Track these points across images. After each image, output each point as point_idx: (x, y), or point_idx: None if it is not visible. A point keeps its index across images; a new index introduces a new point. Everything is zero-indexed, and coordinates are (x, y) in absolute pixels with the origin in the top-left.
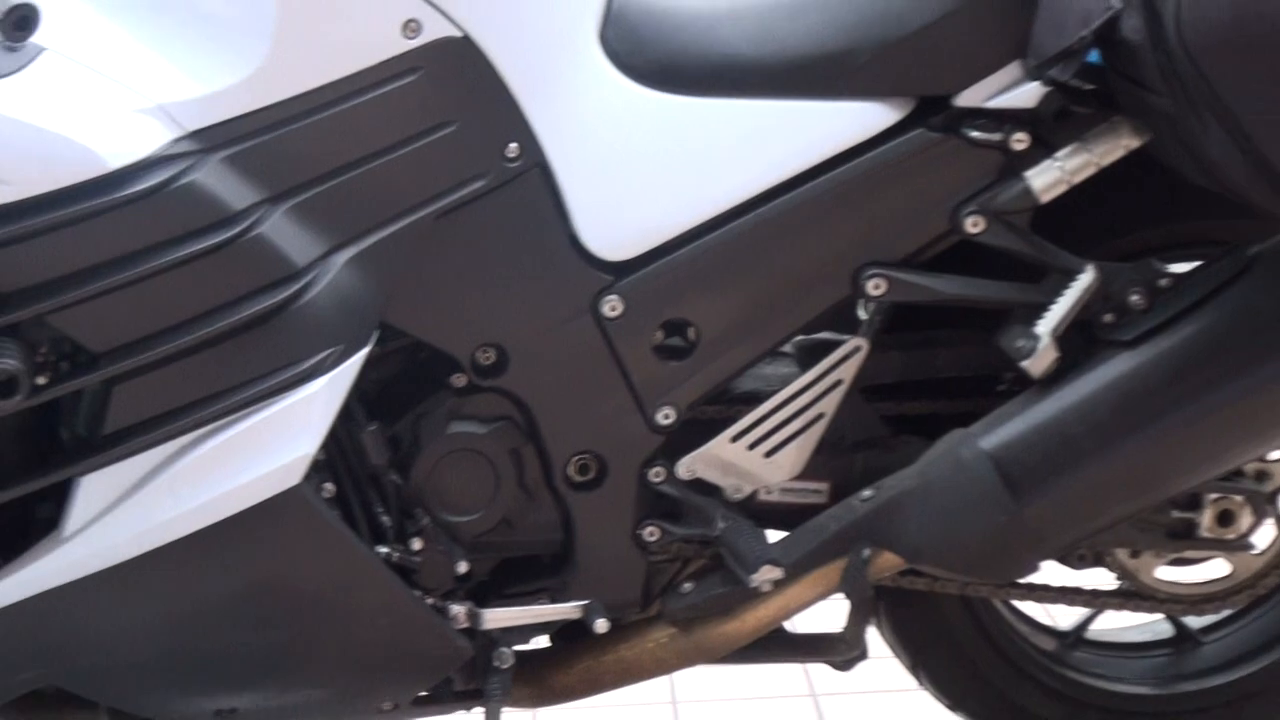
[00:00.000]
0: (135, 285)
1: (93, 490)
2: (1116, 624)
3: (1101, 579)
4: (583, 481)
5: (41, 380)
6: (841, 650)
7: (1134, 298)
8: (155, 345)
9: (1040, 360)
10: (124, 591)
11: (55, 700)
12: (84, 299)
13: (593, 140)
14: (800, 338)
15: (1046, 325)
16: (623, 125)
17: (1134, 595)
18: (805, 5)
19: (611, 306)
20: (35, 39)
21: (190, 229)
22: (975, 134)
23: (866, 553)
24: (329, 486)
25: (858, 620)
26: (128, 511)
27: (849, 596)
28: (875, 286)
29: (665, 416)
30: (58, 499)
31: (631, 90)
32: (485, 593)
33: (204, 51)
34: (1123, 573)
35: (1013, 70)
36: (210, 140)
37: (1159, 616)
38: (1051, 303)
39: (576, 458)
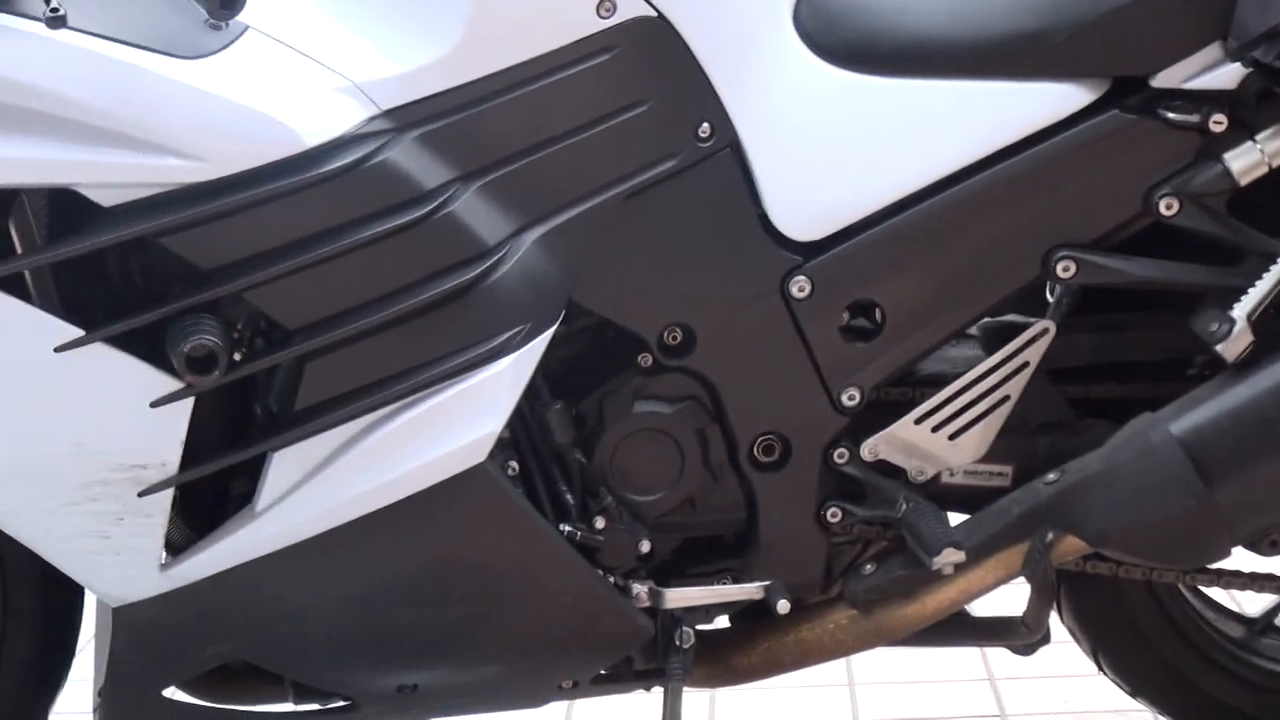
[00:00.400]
0: (329, 262)
1: (285, 466)
2: None
3: None
4: (767, 462)
5: (237, 356)
6: (1022, 635)
7: None
8: (347, 322)
9: (1235, 344)
10: (313, 566)
11: (243, 674)
12: (279, 276)
13: (785, 120)
14: (987, 320)
15: (1243, 309)
16: (815, 105)
17: None
18: None
19: (800, 287)
20: (240, 18)
21: (383, 207)
22: (1172, 115)
23: (1050, 537)
24: (513, 464)
25: (1039, 605)
26: (318, 487)
27: (1030, 580)
28: (1065, 269)
29: (850, 398)
30: (251, 474)
31: (824, 70)
32: (667, 572)
33: (399, 30)
34: None
35: (1213, 51)
36: (405, 119)
37: None
38: (1249, 286)
39: (761, 438)
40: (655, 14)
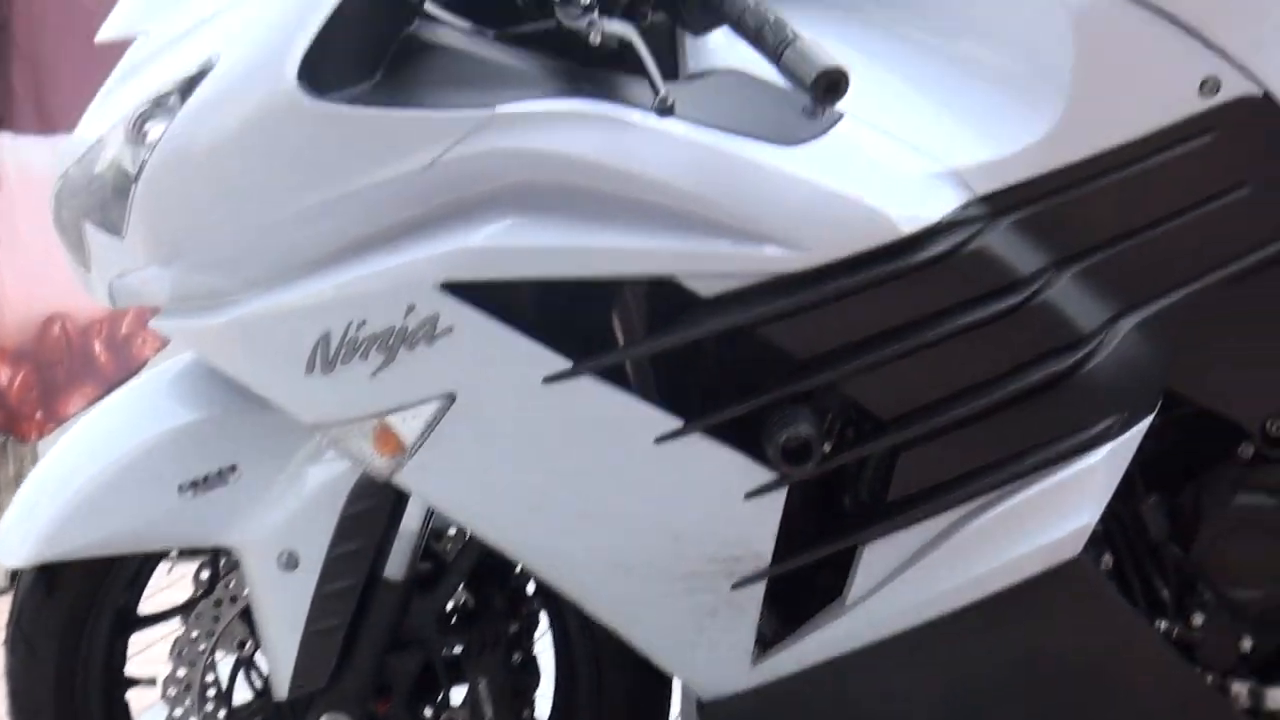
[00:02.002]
0: (924, 351)
1: (875, 558)
2: None
3: None
4: None
5: (829, 447)
6: None
7: None
8: (941, 412)
9: None
10: (902, 662)
11: None
12: (875, 365)
13: None
14: None
15: None
16: None
17: None
18: None
19: None
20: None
21: (979, 294)
22: None
23: None
24: (1107, 558)
25: None
26: (909, 580)
27: None
28: None
29: None
30: (839, 568)
31: None
32: (1271, 672)
33: (994, 113)
34: None
35: None
36: (1000, 204)
37: None
38: None
39: None
40: (1261, 93)
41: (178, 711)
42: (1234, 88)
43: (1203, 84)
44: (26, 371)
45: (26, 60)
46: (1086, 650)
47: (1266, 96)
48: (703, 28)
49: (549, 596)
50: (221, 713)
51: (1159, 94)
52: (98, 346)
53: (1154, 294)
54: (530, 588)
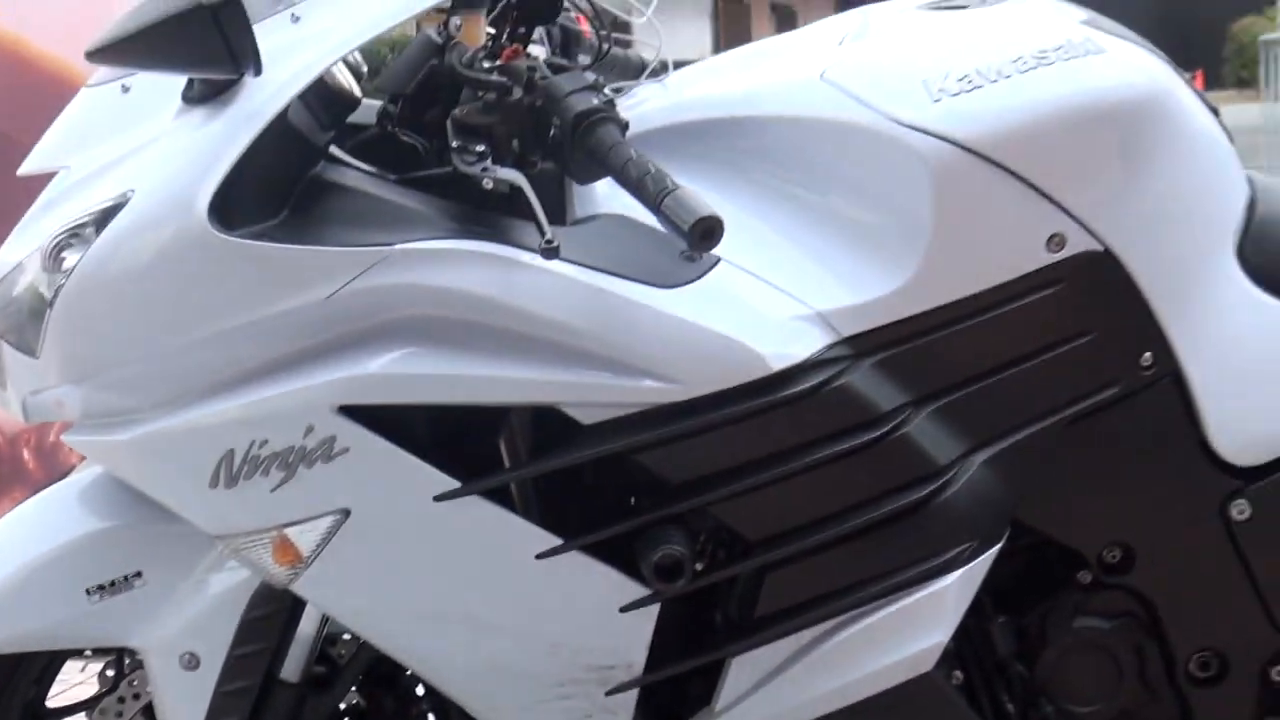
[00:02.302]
0: (790, 480)
1: (743, 669)
2: None
3: None
4: (1204, 678)
5: (700, 566)
6: None
7: None
8: (806, 536)
9: None
10: None
11: None
12: (743, 492)
13: (1229, 352)
14: None
15: None
16: (1260, 338)
17: None
18: None
19: (1240, 510)
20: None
21: (842, 428)
22: None
23: None
24: (958, 674)
25: None
26: (773, 691)
27: None
28: None
29: None
30: (709, 678)
31: (1267, 304)
32: None
33: (859, 261)
34: None
35: None
36: (863, 345)
37: None
38: None
39: (1198, 655)
40: (1102, 249)
41: None
42: (1078, 244)
43: (1050, 240)
44: None
45: None
46: None
47: (1108, 252)
48: (589, 177)
49: (436, 698)
50: None
51: (1010, 248)
52: (26, 454)
53: (1004, 432)
54: (419, 690)
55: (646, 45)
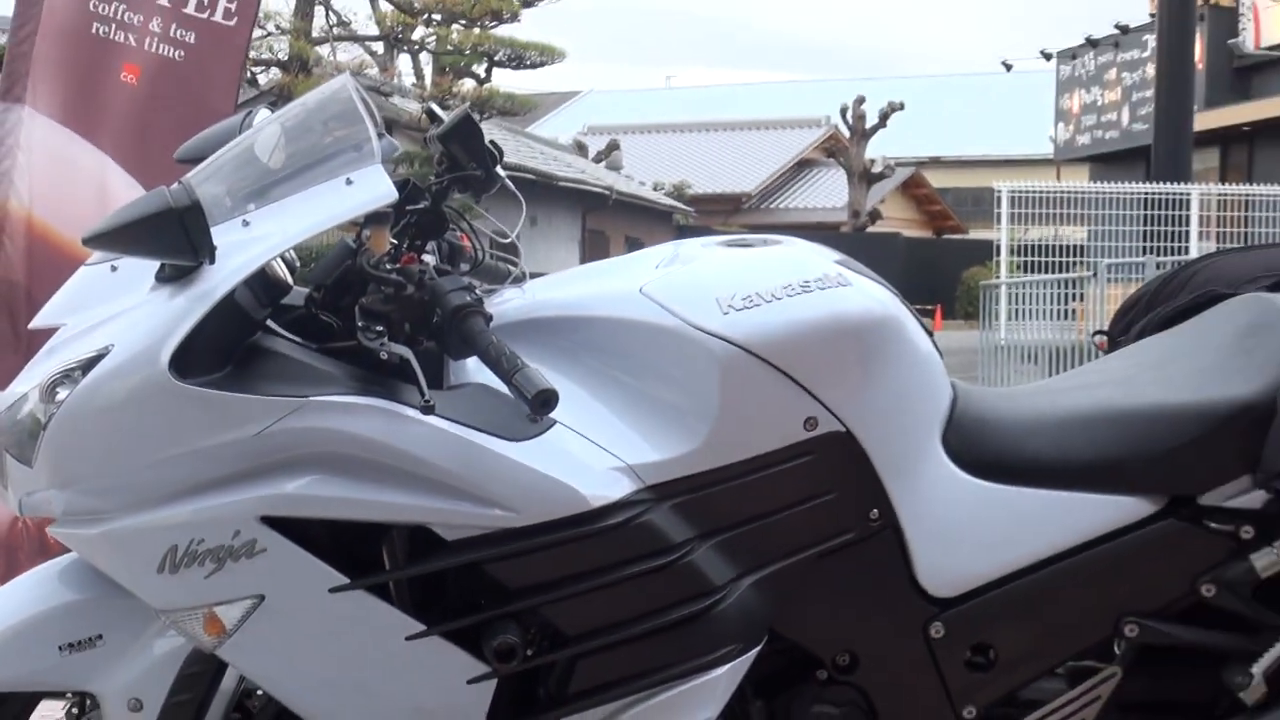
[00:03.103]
0: (601, 590)
1: None
2: None
3: None
4: None
5: (529, 652)
6: None
7: None
8: (612, 634)
9: (1254, 693)
10: None
11: None
12: (565, 598)
13: (933, 513)
14: (1071, 662)
15: (1260, 667)
16: (955, 502)
17: None
18: (1095, 419)
19: (936, 630)
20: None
21: (642, 553)
22: (1214, 525)
23: None
24: None
25: None
26: None
27: None
28: (1130, 630)
29: (969, 713)
30: None
31: (961, 478)
32: None
33: (662, 428)
34: None
35: (1245, 480)
36: (662, 492)
37: None
38: (1264, 651)
39: None
40: (845, 430)
41: None
42: (827, 426)
43: (806, 421)
44: None
45: (2, 312)
46: None
47: (849, 433)
48: (461, 355)
49: None
50: None
51: (775, 426)
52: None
53: (765, 563)
54: None
55: (510, 260)
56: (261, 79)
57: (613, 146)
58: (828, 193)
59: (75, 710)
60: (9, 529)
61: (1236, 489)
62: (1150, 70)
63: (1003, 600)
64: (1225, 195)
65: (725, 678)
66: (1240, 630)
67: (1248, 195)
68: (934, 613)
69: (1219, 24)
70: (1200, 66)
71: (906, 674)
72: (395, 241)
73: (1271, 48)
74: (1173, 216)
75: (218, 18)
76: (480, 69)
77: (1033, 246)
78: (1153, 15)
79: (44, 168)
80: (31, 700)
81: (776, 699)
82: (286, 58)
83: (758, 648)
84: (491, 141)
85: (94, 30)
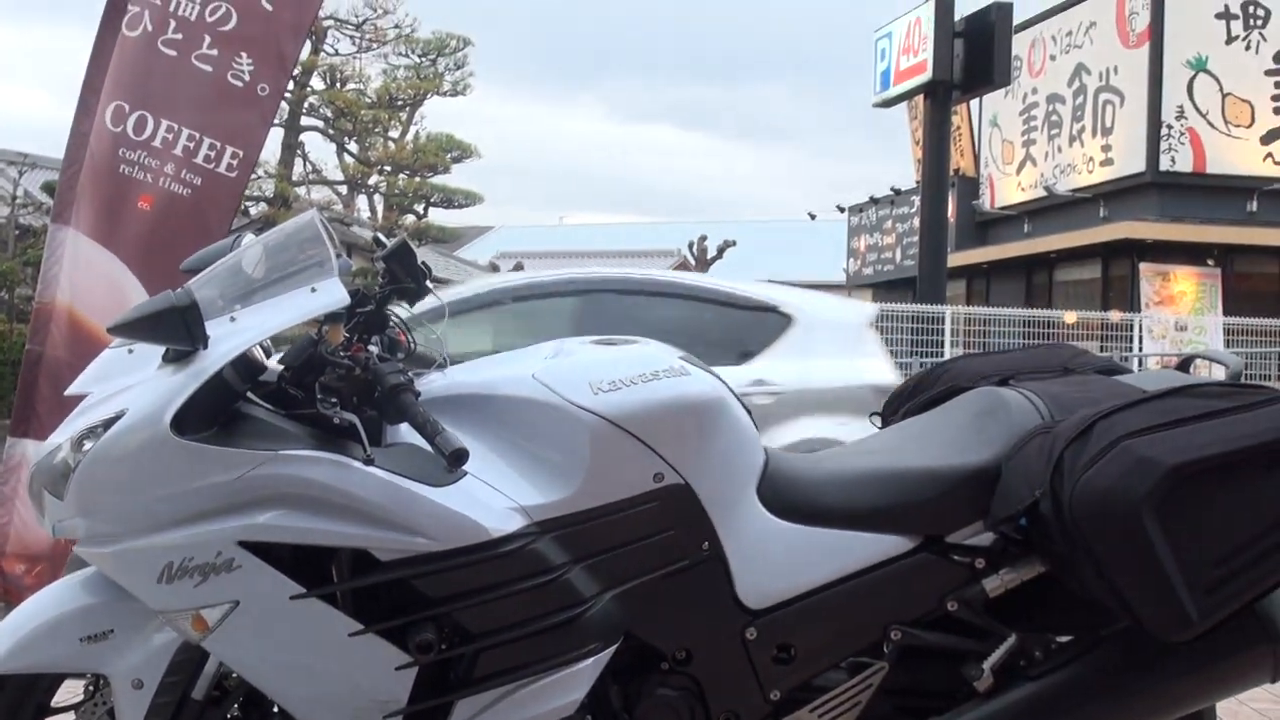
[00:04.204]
0: (499, 600)
1: (462, 708)
2: None
3: None
4: None
5: (444, 646)
6: None
7: (1037, 652)
8: (506, 633)
9: (984, 683)
10: None
11: None
12: (471, 605)
13: (749, 545)
14: (851, 658)
15: (989, 664)
16: (765, 537)
17: None
18: (871, 477)
19: (750, 633)
20: (465, 467)
21: (530, 572)
22: (956, 557)
23: None
24: (589, 717)
25: None
26: (483, 710)
27: None
28: (895, 634)
29: (774, 695)
30: (443, 711)
31: (771, 520)
32: None
33: (546, 479)
34: None
35: (979, 525)
36: (544, 527)
37: None
38: (992, 652)
39: (724, 713)
40: (684, 483)
41: None
42: (670, 479)
43: (654, 475)
44: (42, 568)
45: (48, 381)
46: None
47: (686, 485)
48: (395, 421)
49: (285, 715)
50: None
51: (631, 478)
52: None
53: (622, 580)
54: (276, 709)
55: (435, 352)
56: (252, 210)
57: (518, 267)
58: None
59: (91, 688)
60: (52, 546)
61: (972, 531)
62: (915, 222)
63: (800, 611)
64: (969, 314)
65: (591, 667)
66: (975, 636)
67: (985, 314)
68: (749, 620)
69: (965, 189)
70: (952, 220)
71: (728, 666)
72: (348, 335)
73: (1003, 208)
74: (931, 329)
75: (220, 169)
76: (419, 208)
77: None
78: (918, 182)
79: (81, 272)
80: (57, 680)
81: (630, 684)
82: (271, 194)
83: (615, 645)
84: (423, 262)
85: (120, 170)
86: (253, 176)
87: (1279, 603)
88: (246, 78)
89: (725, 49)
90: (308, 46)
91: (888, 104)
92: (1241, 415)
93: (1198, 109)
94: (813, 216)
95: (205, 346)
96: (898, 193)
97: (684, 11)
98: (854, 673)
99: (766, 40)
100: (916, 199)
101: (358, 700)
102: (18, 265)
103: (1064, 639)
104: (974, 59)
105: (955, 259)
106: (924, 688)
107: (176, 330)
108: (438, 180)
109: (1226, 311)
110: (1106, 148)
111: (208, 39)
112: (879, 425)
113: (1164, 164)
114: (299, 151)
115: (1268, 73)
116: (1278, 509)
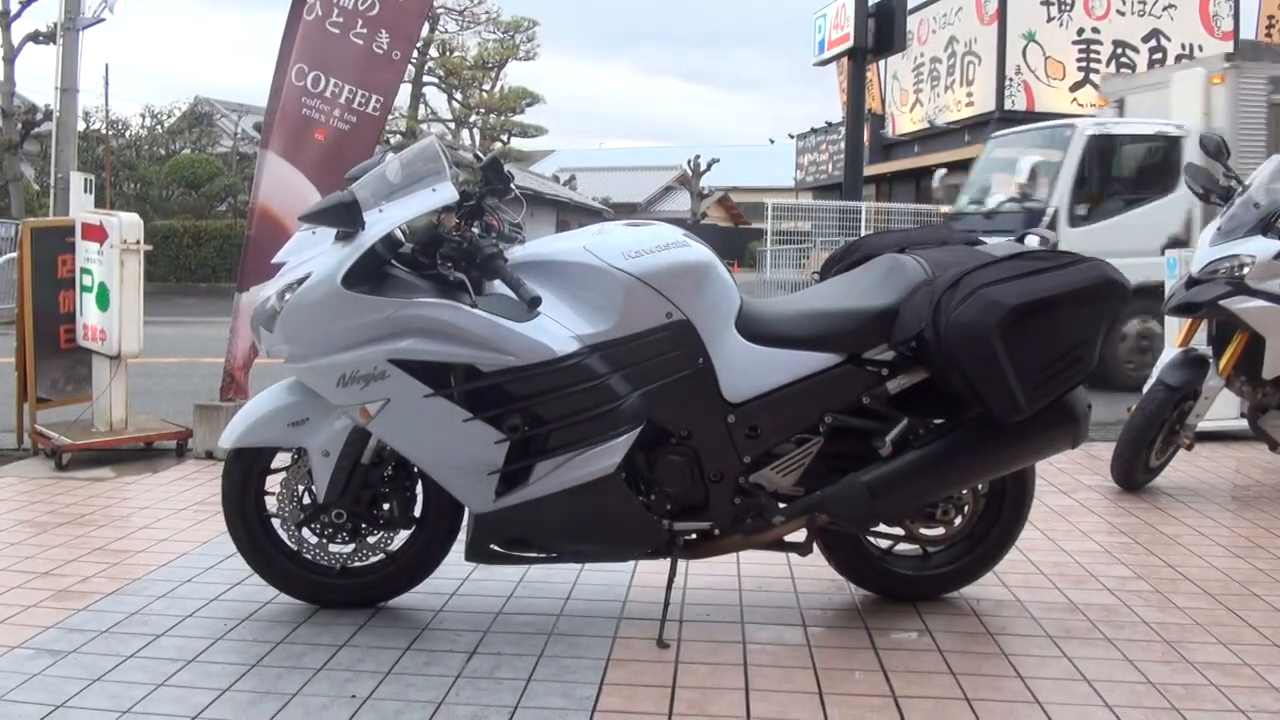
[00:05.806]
0: (562, 397)
1: (539, 469)
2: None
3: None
4: (715, 480)
5: (526, 428)
6: (800, 550)
7: (921, 430)
8: (567, 419)
9: (885, 450)
10: (560, 505)
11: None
12: (543, 400)
13: (730, 359)
14: (798, 435)
15: (889, 438)
16: (740, 354)
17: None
18: (812, 314)
19: (731, 419)
20: (538, 309)
21: (582, 379)
22: (869, 368)
23: (818, 516)
24: (623, 474)
25: (808, 541)
26: (555, 475)
27: (809, 529)
28: (828, 419)
29: (746, 460)
30: (525, 474)
31: (744, 343)
32: (679, 516)
33: (593, 317)
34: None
35: (884, 346)
36: (593, 349)
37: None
38: (891, 430)
39: (713, 470)
40: (686, 319)
41: (282, 509)
42: (676, 316)
43: (666, 314)
44: (244, 373)
45: (255, 254)
46: (607, 509)
47: (688, 320)
48: (490, 278)
49: (424, 475)
50: (297, 509)
51: (651, 317)
52: (246, 377)
53: (645, 384)
54: (416, 470)
55: (516, 232)
56: (391, 140)
57: (572, 178)
58: (679, 203)
59: (295, 456)
60: (248, 361)
61: (879, 350)
62: (842, 145)
63: (764, 404)
64: (879, 208)
65: (624, 442)
66: (881, 419)
67: (889, 208)
68: (730, 410)
69: (875, 123)
70: (866, 144)
71: (715, 440)
72: (458, 220)
73: (900, 135)
74: (853, 218)
75: (369, 111)
76: (504, 138)
77: (784, 231)
78: (844, 118)
79: (274, 182)
80: (273, 452)
81: (650, 453)
82: (404, 129)
83: (640, 427)
84: (509, 170)
85: (303, 112)
86: (390, 117)
87: (1079, 396)
88: (385, 48)
89: (717, 22)
90: (427, 26)
91: (824, 64)
92: (1060, 271)
93: (1029, 68)
94: (772, 141)
95: (363, 228)
96: (830, 125)
97: None
98: (800, 444)
99: (747, 17)
100: (843, 129)
101: (473, 464)
102: (239, 180)
103: (939, 421)
104: (882, 32)
105: (869, 170)
106: (846, 454)
107: (344, 218)
108: (516, 119)
109: None
110: (969, 94)
111: (359, 21)
112: (818, 279)
113: (1007, 105)
114: (421, 99)
115: (1073, 43)
116: (1078, 333)
